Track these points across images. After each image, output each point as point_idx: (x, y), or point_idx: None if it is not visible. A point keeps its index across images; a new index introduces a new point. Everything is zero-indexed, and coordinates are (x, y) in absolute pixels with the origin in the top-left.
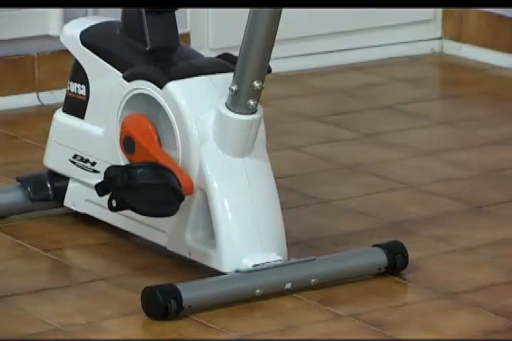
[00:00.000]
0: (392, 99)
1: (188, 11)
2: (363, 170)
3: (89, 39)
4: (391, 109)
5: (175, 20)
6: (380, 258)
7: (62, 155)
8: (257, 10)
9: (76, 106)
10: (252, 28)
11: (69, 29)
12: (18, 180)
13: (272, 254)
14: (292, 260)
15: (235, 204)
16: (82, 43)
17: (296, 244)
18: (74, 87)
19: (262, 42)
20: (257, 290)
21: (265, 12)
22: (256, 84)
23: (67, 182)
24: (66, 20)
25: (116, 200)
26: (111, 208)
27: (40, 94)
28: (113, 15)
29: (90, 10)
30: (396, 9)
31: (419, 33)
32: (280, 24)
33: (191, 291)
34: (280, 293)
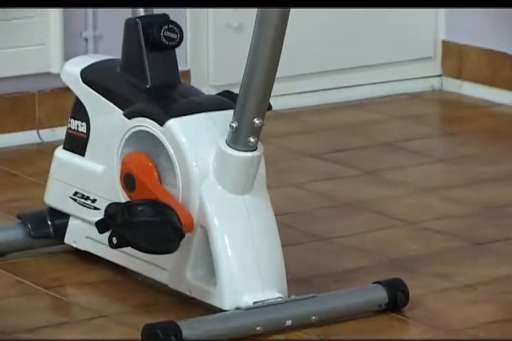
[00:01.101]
0: (392, 136)
1: (189, 48)
2: (363, 207)
3: (90, 77)
4: (391, 146)
5: (175, 58)
6: (381, 295)
7: (62, 193)
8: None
9: (77, 144)
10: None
11: (69, 67)
12: (18, 217)
13: (272, 291)
14: (292, 297)
15: (235, 242)
16: (83, 81)
17: (297, 281)
18: (75, 124)
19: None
20: (258, 328)
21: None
22: (256, 121)
23: (68, 220)
24: (67, 57)
25: (116, 237)
26: (111, 245)
27: (41, 131)
28: (113, 53)
29: (91, 47)
30: (396, 46)
31: (419, 70)
32: (280, 62)
33: (192, 328)
34: (281, 330)
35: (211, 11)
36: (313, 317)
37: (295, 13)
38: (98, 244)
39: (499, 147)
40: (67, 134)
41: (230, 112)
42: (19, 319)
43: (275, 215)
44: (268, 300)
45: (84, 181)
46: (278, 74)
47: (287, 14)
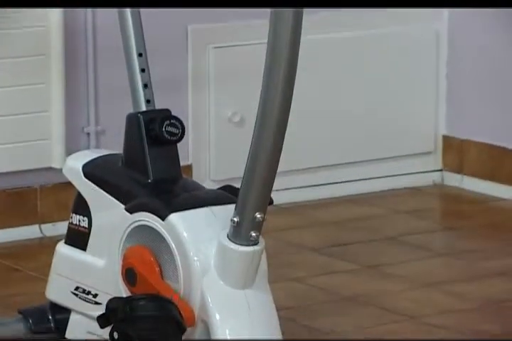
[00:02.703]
0: (393, 231)
1: (190, 143)
2: (364, 301)
3: (92, 171)
4: (392, 241)
5: (177, 152)
6: None
7: (64, 287)
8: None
9: (78, 238)
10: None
11: (71, 162)
12: (19, 312)
13: None
14: None
15: (236, 337)
16: (85, 176)
17: None
18: (76, 219)
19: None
20: None
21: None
22: (258, 215)
23: (69, 315)
24: (69, 152)
25: (118, 332)
26: (113, 340)
27: (43, 226)
28: (115, 148)
29: (93, 142)
30: (397, 141)
31: (420, 165)
32: (281, 156)
33: None
34: None
35: (213, 107)
36: None
37: (295, 108)
38: (99, 339)
39: (500, 242)
40: (69, 229)
41: (232, 206)
42: None
43: (276, 310)
44: None
45: (86, 276)
46: (279, 169)
47: (288, 108)
